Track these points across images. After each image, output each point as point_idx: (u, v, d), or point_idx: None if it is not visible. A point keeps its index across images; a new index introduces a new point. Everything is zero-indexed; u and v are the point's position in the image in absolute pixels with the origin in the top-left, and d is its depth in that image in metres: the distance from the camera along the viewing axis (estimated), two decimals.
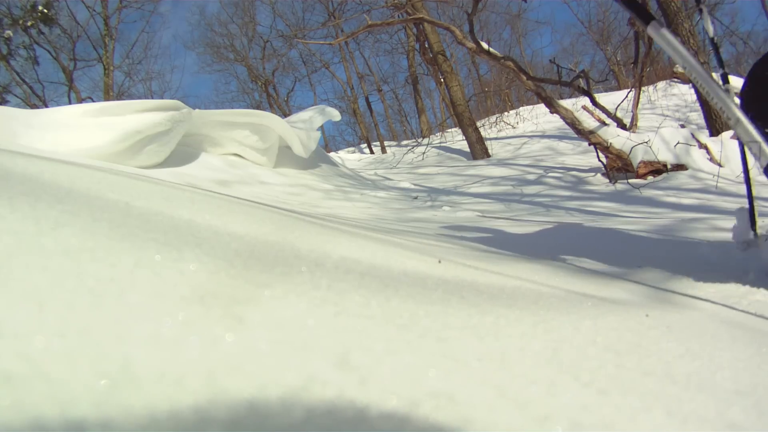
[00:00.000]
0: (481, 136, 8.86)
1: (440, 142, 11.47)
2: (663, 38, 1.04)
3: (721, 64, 1.69)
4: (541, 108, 9.45)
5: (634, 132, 5.54)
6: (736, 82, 9.56)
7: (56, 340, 0.28)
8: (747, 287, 1.01)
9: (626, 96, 6.59)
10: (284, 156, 4.13)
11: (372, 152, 13.60)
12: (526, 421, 0.36)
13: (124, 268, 0.41)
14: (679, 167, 4.86)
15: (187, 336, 0.33)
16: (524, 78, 5.74)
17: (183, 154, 3.36)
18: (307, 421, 0.28)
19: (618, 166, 5.19)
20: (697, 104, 6.33)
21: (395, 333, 0.44)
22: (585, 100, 6.13)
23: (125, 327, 0.32)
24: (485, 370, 0.42)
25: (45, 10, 13.43)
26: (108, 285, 0.37)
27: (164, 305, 0.36)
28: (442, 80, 9.49)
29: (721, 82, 1.41)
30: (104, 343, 0.29)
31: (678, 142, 5.00)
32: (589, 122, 5.44)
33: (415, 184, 6.16)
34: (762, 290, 0.97)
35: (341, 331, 0.41)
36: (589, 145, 5.54)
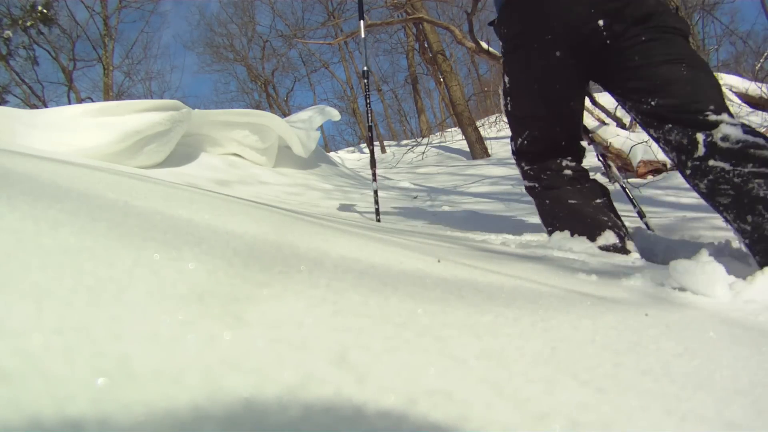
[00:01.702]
0: (480, 135, 8.85)
1: (440, 142, 11.47)
2: None
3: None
4: None
5: (633, 131, 5.54)
6: (733, 81, 9.47)
7: (54, 337, 0.28)
8: (745, 285, 1.01)
9: None
10: (284, 156, 4.13)
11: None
12: (524, 419, 0.36)
13: (123, 266, 0.41)
14: None
15: (185, 334, 0.33)
16: None
17: (183, 154, 3.36)
18: (305, 418, 0.28)
19: (617, 165, 5.19)
20: None
21: (393, 331, 0.44)
22: None
23: (123, 325, 0.32)
24: (483, 368, 0.42)
25: (44, 11, 13.43)
26: (106, 283, 0.37)
27: (162, 304, 0.36)
28: (441, 80, 9.48)
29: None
30: (102, 341, 0.29)
31: None
32: (588, 122, 5.45)
33: (414, 184, 6.16)
34: (760, 289, 0.98)
35: (339, 329, 0.41)
36: (589, 144, 5.54)
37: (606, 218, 1.40)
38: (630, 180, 4.92)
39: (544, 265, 1.15)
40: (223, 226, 0.68)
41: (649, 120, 1.21)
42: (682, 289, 1.01)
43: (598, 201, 1.46)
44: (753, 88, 8.52)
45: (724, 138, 1.08)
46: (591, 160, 5.97)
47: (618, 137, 5.19)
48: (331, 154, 9.20)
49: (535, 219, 2.67)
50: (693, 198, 3.87)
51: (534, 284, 0.86)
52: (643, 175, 4.95)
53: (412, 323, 0.48)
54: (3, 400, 0.23)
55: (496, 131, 10.98)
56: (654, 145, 4.95)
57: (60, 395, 0.24)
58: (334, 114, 5.69)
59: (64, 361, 0.27)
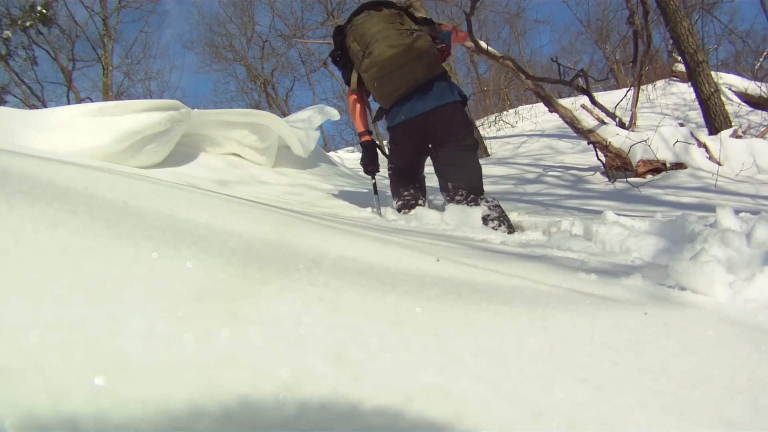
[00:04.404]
0: (480, 135, 8.86)
1: None
2: None
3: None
4: (540, 107, 9.45)
5: (633, 131, 5.53)
6: (733, 80, 9.43)
7: (51, 334, 0.28)
8: (745, 285, 1.01)
9: (625, 95, 6.59)
10: (283, 156, 4.12)
11: None
12: (521, 417, 0.36)
13: (121, 265, 0.41)
14: (679, 166, 4.86)
15: (182, 331, 0.33)
16: (523, 77, 5.74)
17: (182, 154, 3.35)
18: (300, 416, 0.28)
19: (617, 164, 5.19)
20: (696, 103, 6.34)
21: (390, 329, 0.44)
22: (584, 99, 6.13)
23: (120, 322, 0.32)
24: (480, 366, 0.42)
25: (44, 11, 13.41)
26: (104, 281, 0.37)
27: (160, 301, 0.36)
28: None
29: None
30: (99, 338, 0.29)
31: (677, 141, 4.99)
32: (588, 121, 5.44)
33: None
34: (759, 288, 0.97)
35: (336, 327, 0.41)
36: (588, 143, 5.54)
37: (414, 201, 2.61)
38: (629, 179, 4.92)
39: (544, 264, 1.15)
40: (221, 226, 0.68)
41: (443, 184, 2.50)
42: (682, 289, 1.01)
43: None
44: (752, 87, 8.52)
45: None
46: (590, 159, 5.95)
47: (617, 137, 5.18)
48: (331, 154, 9.18)
49: (536, 217, 2.68)
50: (693, 197, 3.87)
51: (533, 283, 0.86)
52: (642, 174, 4.95)
53: (409, 321, 0.48)
54: None
55: (496, 131, 10.98)
56: (654, 144, 4.95)
57: (56, 392, 0.24)
58: (334, 114, 5.67)
59: (60, 358, 0.27)
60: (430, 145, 2.46)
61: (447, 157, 2.42)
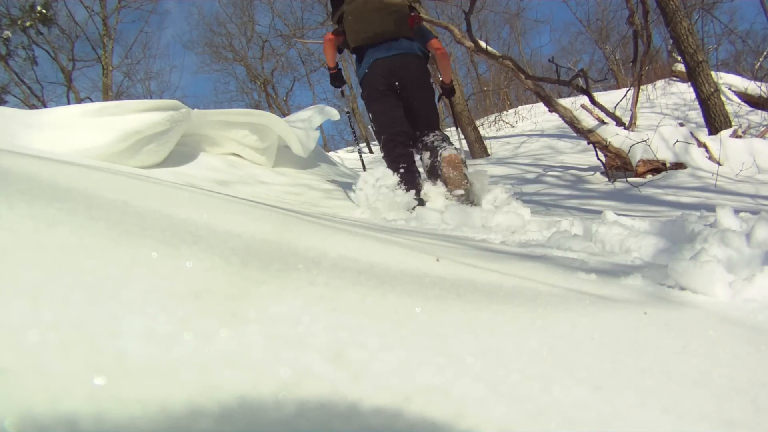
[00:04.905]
0: (480, 135, 8.86)
1: None
2: None
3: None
4: (540, 107, 9.46)
5: (633, 130, 5.53)
6: (733, 80, 9.42)
7: (50, 334, 0.28)
8: (745, 285, 1.01)
9: (625, 95, 6.59)
10: (283, 156, 4.12)
11: (371, 152, 13.58)
12: (520, 417, 0.36)
13: (121, 264, 0.41)
14: (678, 166, 4.86)
15: (181, 331, 0.33)
16: (523, 77, 5.74)
17: (182, 154, 3.35)
18: (299, 415, 0.28)
19: (617, 164, 5.18)
20: (696, 103, 6.33)
21: (390, 329, 0.44)
22: (584, 99, 6.13)
23: (120, 322, 0.32)
24: (480, 365, 0.42)
25: (43, 11, 13.41)
26: (103, 281, 0.37)
27: (159, 301, 0.36)
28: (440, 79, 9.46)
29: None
30: (98, 338, 0.29)
31: (677, 141, 4.99)
32: (588, 121, 5.44)
33: None
34: (759, 288, 0.97)
35: (336, 327, 0.41)
36: (588, 143, 5.54)
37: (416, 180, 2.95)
38: (629, 179, 4.92)
39: (544, 264, 1.15)
40: (221, 225, 0.68)
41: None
42: (682, 288, 1.01)
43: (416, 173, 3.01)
44: (752, 87, 8.52)
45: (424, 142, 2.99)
46: (590, 159, 5.95)
47: (617, 136, 5.18)
48: (331, 154, 9.17)
49: (536, 217, 2.68)
50: (693, 197, 3.87)
51: (533, 283, 0.86)
52: (642, 174, 4.95)
53: (409, 321, 0.48)
54: None
55: (495, 130, 10.98)
56: (654, 144, 4.95)
57: (56, 391, 0.24)
58: (334, 113, 5.66)
59: (59, 357, 0.27)
60: (396, 83, 2.94)
61: (414, 103, 2.99)
